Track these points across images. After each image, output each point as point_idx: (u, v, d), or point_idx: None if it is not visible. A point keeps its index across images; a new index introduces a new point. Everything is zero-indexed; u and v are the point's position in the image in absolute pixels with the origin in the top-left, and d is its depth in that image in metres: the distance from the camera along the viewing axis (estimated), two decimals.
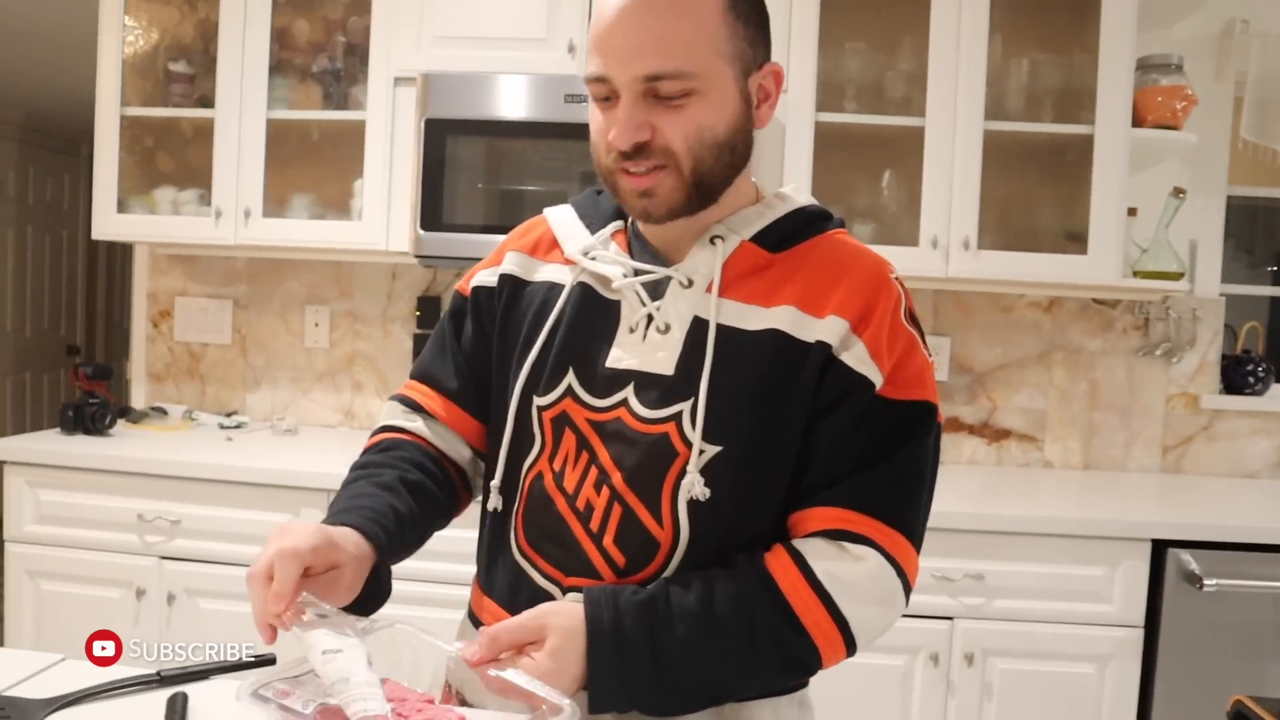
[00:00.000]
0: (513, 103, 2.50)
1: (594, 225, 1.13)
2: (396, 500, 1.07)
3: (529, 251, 1.15)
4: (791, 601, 0.96)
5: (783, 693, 1.10)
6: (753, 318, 1.01)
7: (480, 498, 1.18)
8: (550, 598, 1.04)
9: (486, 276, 1.16)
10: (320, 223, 2.72)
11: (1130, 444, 2.90)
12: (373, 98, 2.61)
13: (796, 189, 1.12)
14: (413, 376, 1.22)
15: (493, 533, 1.15)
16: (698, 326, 1.02)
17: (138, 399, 3.11)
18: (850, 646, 0.99)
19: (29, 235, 5.73)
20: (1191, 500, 2.55)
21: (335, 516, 1.02)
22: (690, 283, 1.04)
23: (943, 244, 2.52)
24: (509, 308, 1.13)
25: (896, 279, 1.05)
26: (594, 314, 1.07)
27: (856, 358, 0.99)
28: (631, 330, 1.04)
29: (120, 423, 2.78)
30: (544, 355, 1.08)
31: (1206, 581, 2.22)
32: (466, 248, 2.53)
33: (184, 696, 0.93)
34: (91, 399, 2.67)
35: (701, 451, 0.99)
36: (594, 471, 1.04)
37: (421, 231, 2.53)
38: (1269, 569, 2.24)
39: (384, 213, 2.63)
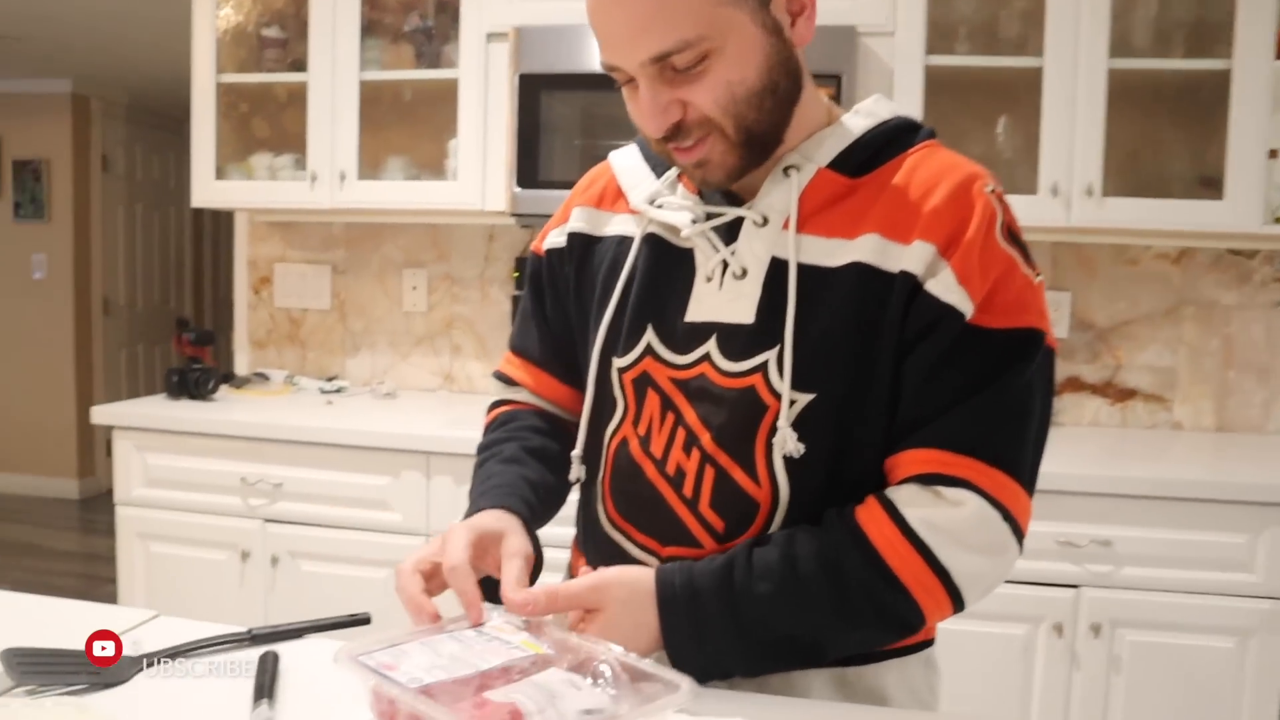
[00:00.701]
0: None
1: (660, 167, 1.04)
2: (526, 470, 1.05)
3: (595, 204, 1.08)
4: (884, 554, 0.89)
5: (908, 651, 1.01)
6: (836, 252, 0.92)
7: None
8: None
9: (556, 237, 1.10)
10: (415, 184, 2.69)
11: (1270, 404, 2.70)
12: (465, 55, 2.56)
13: (877, 100, 1.00)
14: (509, 349, 1.20)
15: (581, 505, 1.11)
16: (777, 268, 0.94)
17: (241, 365, 3.14)
18: (956, 600, 0.90)
19: (138, 212, 5.89)
20: None
21: (474, 504, 1.01)
22: (765, 221, 0.95)
23: (1064, 191, 2.37)
24: (581, 267, 1.07)
25: (993, 192, 0.93)
26: (667, 266, 1.00)
27: (943, 285, 0.89)
28: (708, 279, 0.97)
29: (224, 388, 2.81)
30: (619, 315, 1.01)
31: None
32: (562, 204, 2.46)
33: (275, 655, 0.89)
34: (195, 365, 2.69)
35: (792, 402, 0.92)
36: (682, 433, 0.97)
37: (518, 189, 2.47)
38: None
39: (479, 172, 2.58)
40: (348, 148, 2.64)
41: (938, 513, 0.89)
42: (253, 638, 0.95)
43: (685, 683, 0.75)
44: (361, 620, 1.02)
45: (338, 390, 2.90)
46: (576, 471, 1.07)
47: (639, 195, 1.03)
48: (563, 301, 1.10)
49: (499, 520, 0.96)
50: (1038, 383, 0.92)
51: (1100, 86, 2.35)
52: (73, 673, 0.85)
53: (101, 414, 2.56)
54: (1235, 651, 2.11)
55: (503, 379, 1.18)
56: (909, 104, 2.38)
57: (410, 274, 3.00)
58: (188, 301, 6.42)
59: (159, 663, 0.90)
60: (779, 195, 0.95)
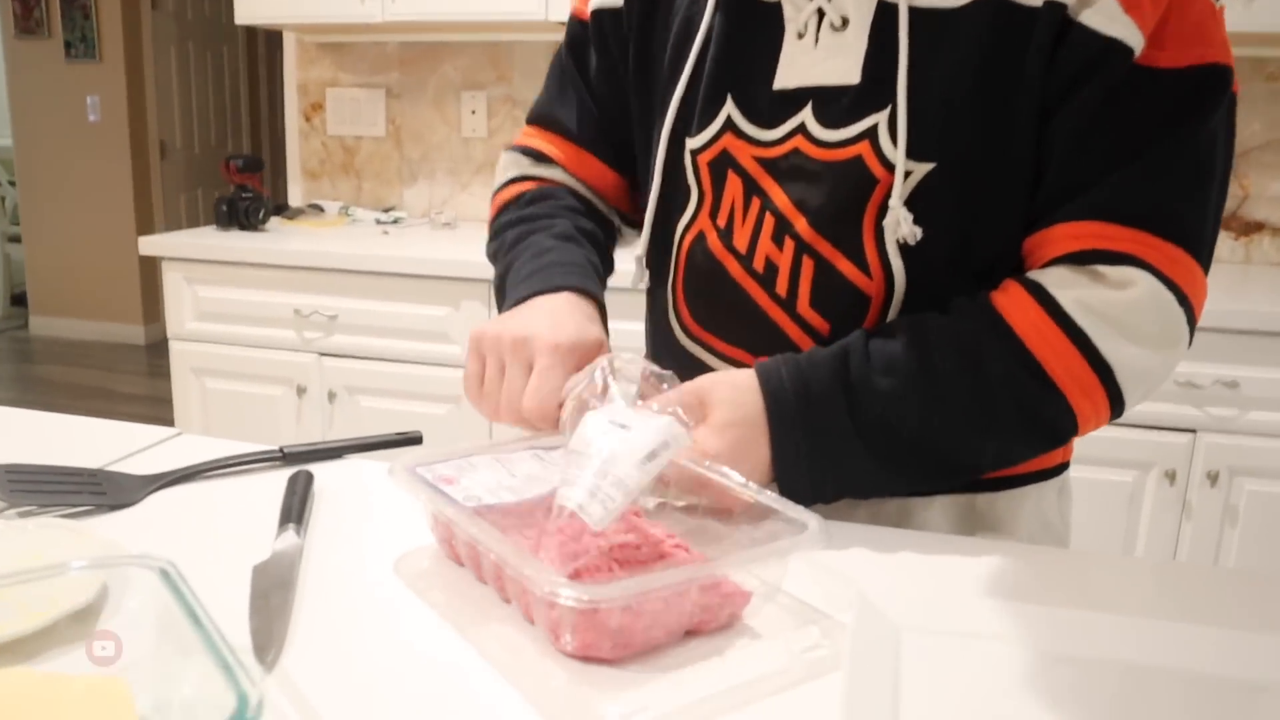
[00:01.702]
0: None
1: None
2: (589, 254, 0.89)
3: None
4: (1032, 345, 0.73)
5: (1044, 476, 0.86)
6: None
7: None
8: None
9: None
10: None
11: None
12: None
13: None
14: (530, 121, 1.00)
15: (649, 317, 0.95)
16: (884, 13, 0.76)
17: (294, 197, 2.99)
18: (1116, 403, 0.75)
19: (191, 51, 5.69)
20: None
21: (543, 277, 0.85)
22: None
23: None
24: (643, 29, 0.89)
25: None
26: (751, 22, 0.82)
27: (1104, 14, 0.71)
28: (800, 35, 0.79)
29: (276, 219, 2.67)
30: (694, 85, 0.84)
31: None
32: None
33: (308, 475, 0.75)
34: (244, 193, 2.55)
35: (908, 173, 0.75)
36: (770, 220, 0.80)
37: None
38: None
39: None
40: None
41: (1099, 294, 0.72)
42: (285, 457, 0.81)
43: (813, 521, 0.59)
44: (413, 439, 0.87)
45: (394, 221, 2.75)
46: (639, 277, 0.91)
47: None
48: (616, 71, 0.92)
49: (584, 324, 0.80)
50: (1221, 135, 0.74)
51: None
52: (75, 492, 0.73)
53: (149, 245, 2.44)
54: None
55: (530, 153, 0.98)
56: None
57: (469, 96, 2.79)
58: (245, 143, 6.28)
59: (174, 485, 0.76)
60: None
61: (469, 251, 2.32)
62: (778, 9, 0.80)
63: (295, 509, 0.69)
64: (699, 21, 0.84)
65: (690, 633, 0.57)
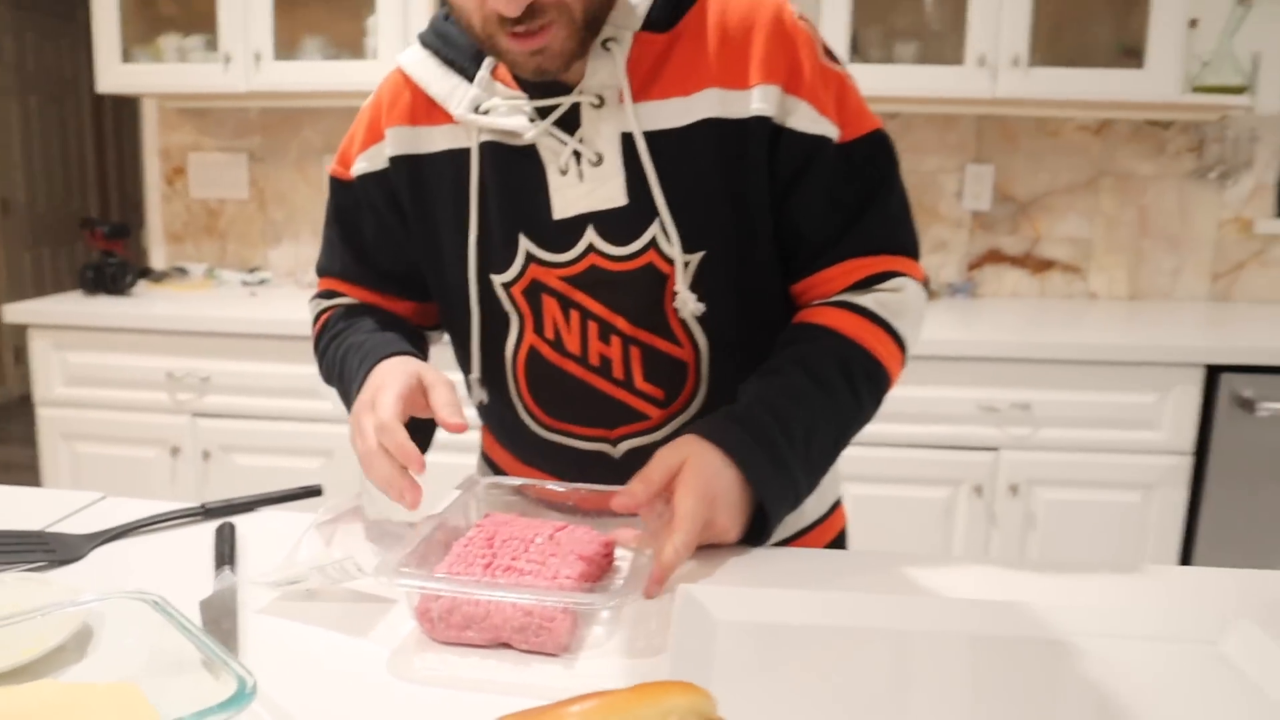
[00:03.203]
0: None
1: (464, 67, 0.97)
2: (400, 335, 1.03)
3: (408, 121, 1.00)
4: (864, 341, 0.96)
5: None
6: (678, 113, 0.93)
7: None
8: (604, 456, 1.02)
9: (371, 160, 1.02)
10: (335, 64, 2.60)
11: (1179, 271, 2.80)
12: None
13: None
14: (320, 274, 1.13)
15: (502, 422, 1.09)
16: (628, 141, 0.93)
17: (157, 260, 3.05)
18: (904, 363, 1.01)
19: (33, 105, 5.58)
20: (1244, 326, 2.46)
21: (360, 369, 0.97)
22: (601, 100, 0.93)
23: (991, 62, 2.38)
24: (414, 190, 1.01)
25: (800, 17, 0.96)
26: (515, 169, 0.96)
27: (807, 119, 0.93)
28: (563, 173, 0.94)
29: (141, 283, 2.73)
30: (485, 230, 0.98)
31: (1260, 405, 2.16)
32: None
33: (231, 525, 0.89)
34: (110, 259, 2.61)
35: (686, 263, 0.95)
36: (594, 325, 0.98)
37: None
38: None
39: (400, 49, 2.49)
40: (262, 27, 2.54)
41: (886, 298, 0.98)
42: (206, 512, 0.95)
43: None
44: (314, 491, 1.02)
45: (260, 282, 2.84)
46: (478, 395, 1.06)
47: (458, 105, 0.96)
48: (389, 226, 1.05)
49: (405, 364, 0.92)
50: (895, 169, 1.00)
51: None
52: (29, 551, 0.85)
53: (15, 312, 2.47)
54: (1140, 505, 2.23)
55: (327, 295, 1.12)
56: None
57: (330, 159, 2.91)
58: (93, 199, 6.15)
59: (113, 540, 0.89)
60: (605, 71, 0.92)
61: None
62: (534, 152, 0.94)
63: (227, 553, 0.84)
64: (467, 175, 0.97)
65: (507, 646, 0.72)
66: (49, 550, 0.86)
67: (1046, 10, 2.46)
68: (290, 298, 2.63)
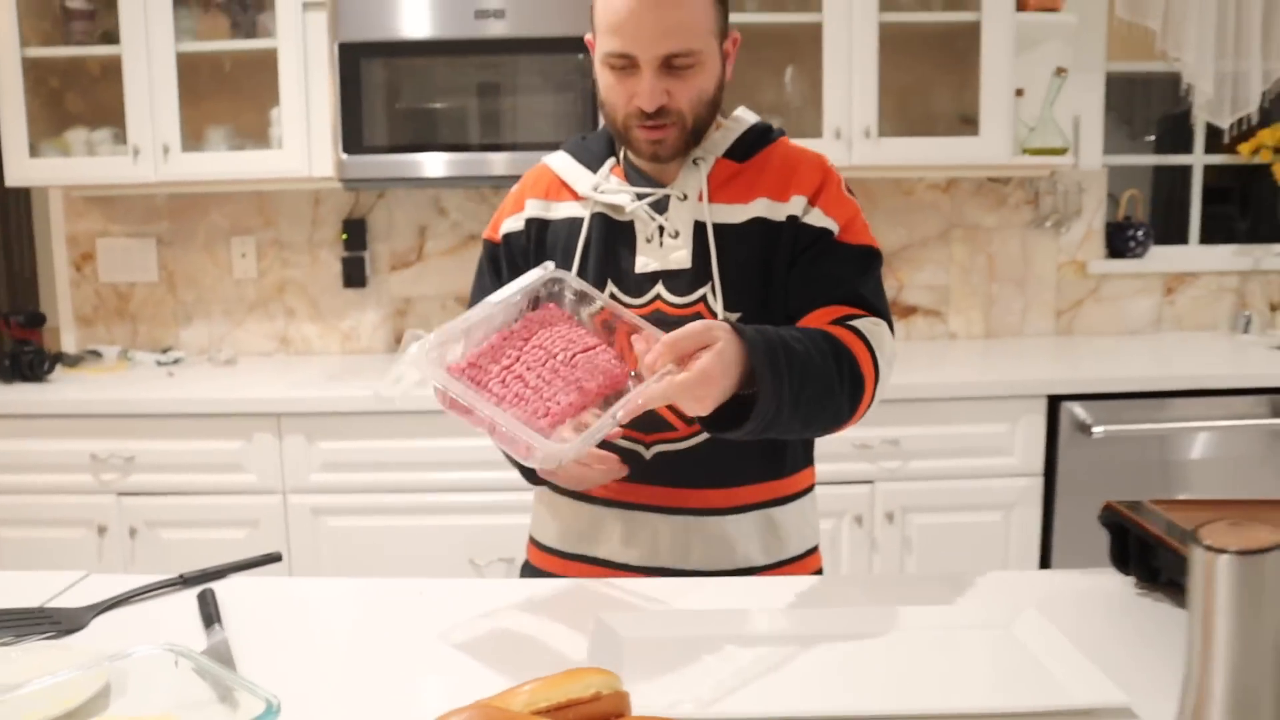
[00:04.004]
0: (425, 21, 2.54)
1: (592, 165, 1.36)
2: None
3: (543, 196, 1.37)
4: (852, 347, 1.20)
5: (807, 491, 1.42)
6: (737, 213, 1.28)
7: None
8: (637, 455, 1.29)
9: (513, 223, 1.38)
10: (241, 154, 2.74)
11: (1026, 311, 3.13)
12: (282, 24, 2.62)
13: (744, 111, 1.39)
14: None
15: None
16: (699, 228, 1.28)
17: (68, 344, 3.12)
18: (878, 382, 1.23)
19: None
20: (1082, 358, 2.78)
21: None
22: (685, 196, 1.29)
23: (845, 134, 2.66)
24: (539, 243, 1.36)
25: (832, 166, 1.34)
26: (614, 234, 1.31)
27: (817, 217, 1.28)
28: (648, 241, 1.30)
29: (57, 368, 2.81)
30: (583, 273, 1.30)
31: (1095, 429, 2.46)
32: (391, 168, 2.60)
33: (211, 590, 1.05)
34: (26, 347, 2.69)
35: (727, 318, 1.26)
36: None
37: (345, 156, 2.58)
38: (1150, 413, 2.49)
39: (304, 139, 2.66)
40: (169, 120, 2.67)
41: (870, 325, 1.24)
42: (184, 581, 1.11)
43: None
44: (274, 558, 1.19)
45: (175, 361, 2.94)
46: None
47: (584, 185, 1.33)
48: (521, 271, 1.33)
49: None
50: (878, 273, 1.32)
51: (872, 38, 2.65)
52: (36, 624, 0.99)
53: None
54: (1001, 524, 2.50)
55: None
56: None
57: (238, 241, 3.05)
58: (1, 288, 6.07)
59: (110, 610, 1.05)
60: (692, 178, 1.29)
61: (255, 388, 2.57)
62: (631, 226, 1.30)
63: (214, 613, 1.00)
64: (579, 232, 1.32)
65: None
66: (55, 622, 1.00)
67: (891, 86, 2.75)
68: (207, 376, 2.75)
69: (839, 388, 1.17)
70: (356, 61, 2.55)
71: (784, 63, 2.89)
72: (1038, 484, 2.50)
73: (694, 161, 1.30)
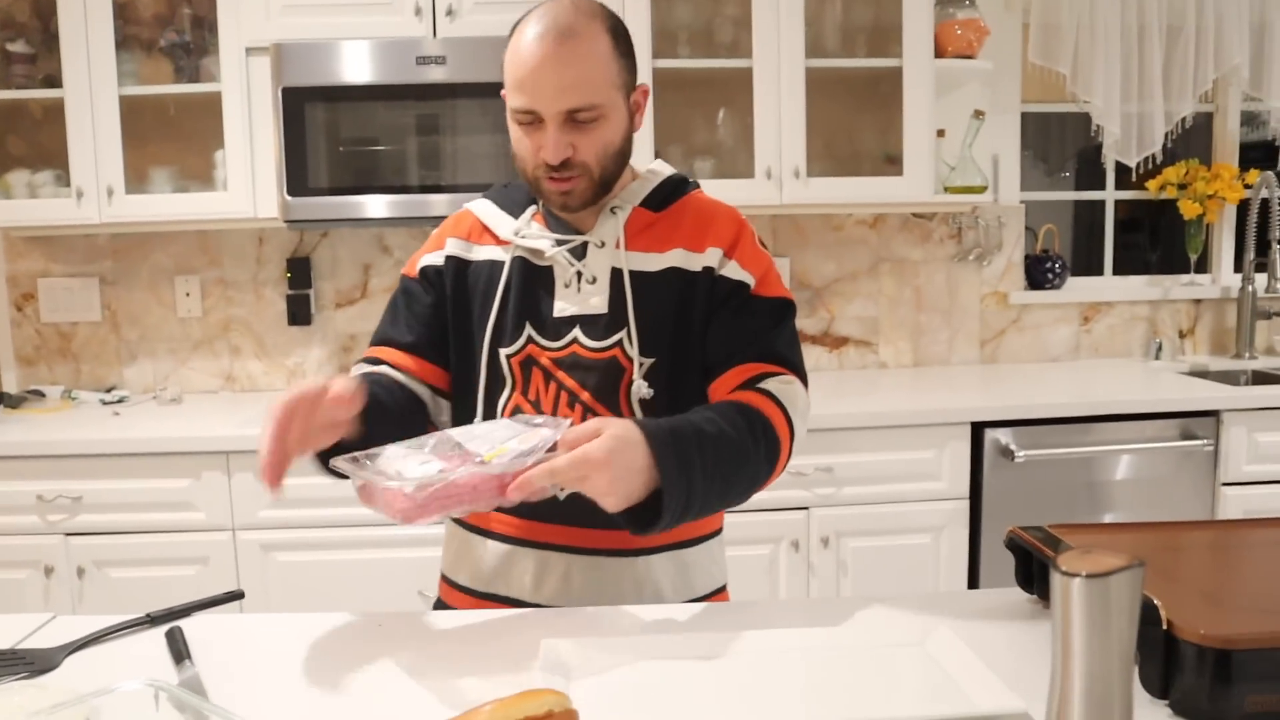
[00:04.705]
0: (367, 67, 2.61)
1: (514, 211, 1.41)
2: (379, 390, 1.29)
3: (465, 238, 1.42)
4: (765, 411, 1.24)
5: (715, 535, 1.45)
6: (653, 261, 1.34)
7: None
8: (551, 497, 1.29)
9: (432, 259, 1.43)
10: (186, 195, 2.78)
11: (952, 340, 3.27)
12: (226, 69, 2.68)
13: (660, 164, 1.45)
14: (372, 344, 1.45)
15: None
16: (616, 275, 1.34)
17: (9, 384, 3.11)
18: (794, 439, 1.28)
19: None
20: (1005, 385, 2.92)
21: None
22: (603, 244, 1.35)
23: (776, 175, 2.78)
24: (457, 282, 1.40)
25: (745, 219, 1.41)
26: (534, 279, 1.36)
27: (734, 270, 1.34)
28: (566, 286, 1.35)
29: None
30: (503, 315, 1.36)
31: (1018, 454, 2.59)
32: (334, 209, 2.65)
33: (179, 628, 1.11)
34: None
35: (642, 364, 1.32)
36: (564, 394, 1.33)
37: (289, 198, 2.64)
38: (1069, 438, 2.63)
39: (248, 181, 2.71)
40: (113, 163, 2.70)
41: (781, 386, 1.29)
42: (151, 620, 1.16)
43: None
44: (237, 595, 1.24)
45: (119, 400, 2.96)
46: None
47: (506, 229, 1.39)
48: (436, 307, 1.41)
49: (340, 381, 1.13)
50: (792, 324, 1.38)
51: (800, 83, 2.77)
52: (10, 665, 1.04)
53: None
54: (931, 545, 2.62)
55: (369, 361, 1.41)
56: None
57: (183, 280, 3.08)
58: None
59: (81, 649, 1.09)
60: (610, 226, 1.35)
61: (203, 425, 2.60)
62: (550, 270, 1.35)
63: (183, 650, 1.06)
64: (499, 275, 1.37)
65: None
66: (28, 663, 1.05)
67: (819, 128, 2.88)
68: (154, 415, 2.77)
69: (755, 455, 1.20)
70: (300, 105, 2.61)
71: (716, 106, 3.00)
72: (964, 507, 2.62)
73: (611, 210, 1.36)
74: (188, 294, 3.08)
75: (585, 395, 1.33)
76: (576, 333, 1.33)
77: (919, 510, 2.61)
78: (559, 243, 1.35)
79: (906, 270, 3.23)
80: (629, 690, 0.98)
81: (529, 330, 1.35)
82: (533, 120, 1.26)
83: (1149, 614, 0.88)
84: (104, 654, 1.10)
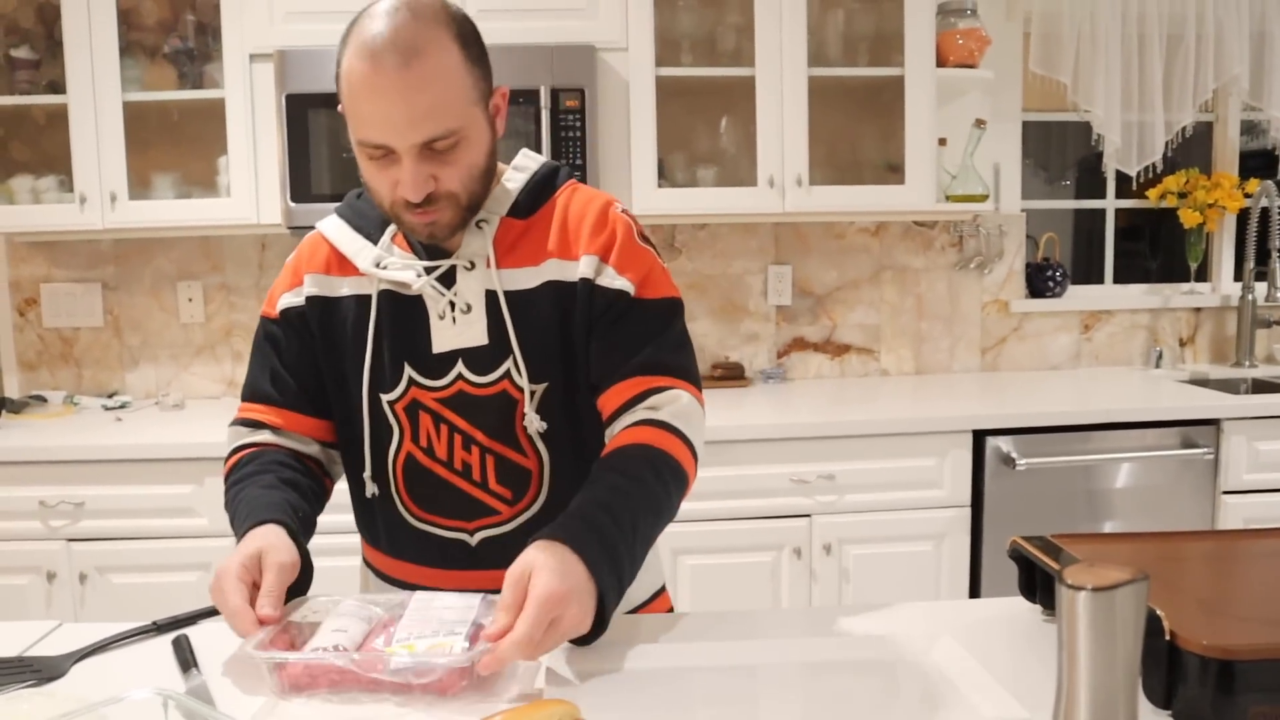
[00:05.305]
0: None
1: (371, 233, 1.27)
2: (286, 495, 1.23)
3: (324, 271, 1.28)
4: (668, 449, 1.17)
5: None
6: (529, 277, 1.24)
7: (347, 483, 1.37)
8: (463, 544, 1.27)
9: (291, 299, 1.30)
10: (189, 201, 2.78)
11: (953, 348, 3.27)
12: (229, 76, 2.69)
13: (525, 155, 1.31)
14: (243, 399, 1.35)
15: (382, 512, 1.33)
16: (491, 298, 1.23)
17: (11, 389, 3.12)
18: (697, 461, 1.22)
19: None
20: (1005, 393, 2.92)
21: (246, 521, 1.18)
22: (472, 265, 1.23)
23: (778, 183, 2.79)
24: (324, 324, 1.28)
25: (623, 211, 1.28)
26: (405, 313, 1.25)
27: (610, 278, 1.23)
28: (441, 317, 1.24)
29: (1, 414, 2.81)
30: (378, 358, 1.25)
31: (1019, 462, 2.59)
32: None
33: (186, 636, 1.11)
34: None
35: (533, 391, 1.24)
36: (459, 437, 1.25)
37: (292, 204, 2.64)
38: (1070, 446, 2.63)
39: (252, 187, 2.72)
40: (116, 168, 2.71)
41: (675, 408, 1.20)
42: (158, 627, 1.16)
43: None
44: None
45: (121, 405, 2.96)
46: (371, 489, 1.31)
47: (364, 261, 1.25)
48: (306, 349, 1.30)
49: (264, 537, 1.12)
50: (684, 326, 1.28)
51: (802, 92, 2.78)
52: (18, 672, 1.04)
53: None
54: (932, 553, 2.62)
55: (246, 424, 1.32)
56: (643, 110, 2.73)
57: (185, 286, 3.08)
58: None
59: (88, 657, 1.10)
60: (478, 244, 1.23)
61: (205, 432, 2.61)
62: (420, 301, 1.23)
63: (190, 658, 1.06)
64: (367, 313, 1.25)
65: None
66: (35, 670, 1.05)
67: (821, 137, 2.89)
68: (156, 421, 2.77)
69: (668, 501, 1.15)
70: (303, 112, 2.62)
71: (719, 114, 3.01)
72: (966, 514, 2.63)
73: (477, 224, 1.23)
74: (190, 299, 3.09)
75: (480, 435, 1.24)
76: (460, 368, 1.23)
77: (921, 518, 2.61)
78: (427, 269, 1.23)
79: (908, 278, 3.24)
80: (636, 701, 0.99)
81: (409, 371, 1.24)
82: (385, 154, 1.12)
83: (1152, 625, 0.88)
84: (110, 662, 1.10)
